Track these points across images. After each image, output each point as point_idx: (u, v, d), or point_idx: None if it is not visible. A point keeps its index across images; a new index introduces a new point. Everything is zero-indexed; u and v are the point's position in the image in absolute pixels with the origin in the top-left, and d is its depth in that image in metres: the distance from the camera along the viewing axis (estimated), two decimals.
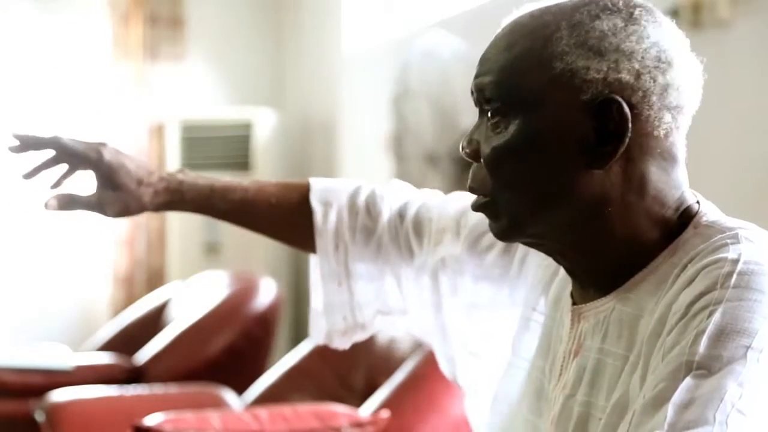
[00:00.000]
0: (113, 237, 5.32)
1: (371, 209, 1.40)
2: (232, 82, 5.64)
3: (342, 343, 1.43)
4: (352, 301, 1.39)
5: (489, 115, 1.05)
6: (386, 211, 1.39)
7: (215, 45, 5.62)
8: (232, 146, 5.24)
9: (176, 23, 5.42)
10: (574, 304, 1.11)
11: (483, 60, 1.07)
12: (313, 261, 1.43)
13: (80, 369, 3.58)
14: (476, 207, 1.09)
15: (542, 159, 1.02)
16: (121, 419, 2.49)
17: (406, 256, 1.37)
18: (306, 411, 2.26)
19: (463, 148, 1.08)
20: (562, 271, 1.17)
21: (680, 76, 1.06)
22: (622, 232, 1.03)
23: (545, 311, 1.18)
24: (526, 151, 1.02)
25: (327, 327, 1.41)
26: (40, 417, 2.98)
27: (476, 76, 1.07)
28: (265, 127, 5.24)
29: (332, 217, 1.39)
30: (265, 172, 5.23)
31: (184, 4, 5.45)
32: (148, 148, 5.35)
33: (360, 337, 1.43)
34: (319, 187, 1.43)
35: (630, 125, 1.00)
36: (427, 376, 2.39)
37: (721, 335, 0.89)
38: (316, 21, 5.38)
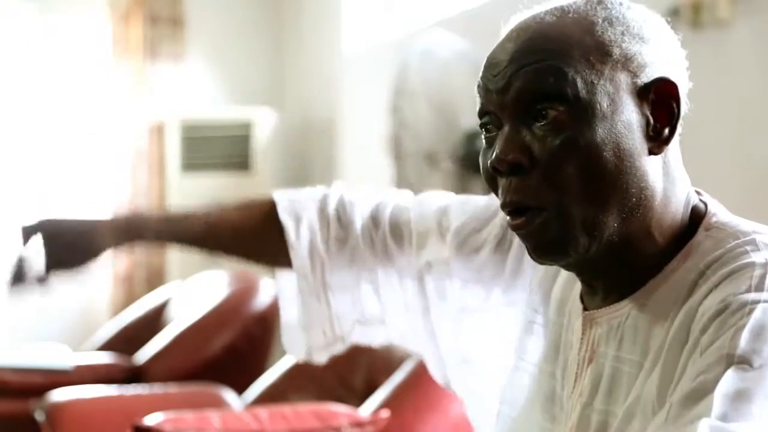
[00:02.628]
0: None
1: (342, 217, 1.34)
2: (232, 82, 5.64)
3: (321, 357, 1.38)
4: (330, 314, 1.34)
5: (542, 114, 0.98)
6: (358, 218, 1.33)
7: (215, 45, 5.61)
8: (232, 146, 5.24)
9: (176, 23, 5.42)
10: (585, 309, 1.08)
11: (515, 58, 1.00)
12: (283, 276, 1.37)
13: (80, 369, 3.58)
14: (524, 224, 1.00)
15: (616, 146, 0.97)
16: (121, 419, 2.49)
17: (384, 260, 1.32)
18: (306, 411, 2.26)
19: (502, 160, 0.99)
20: (563, 271, 1.14)
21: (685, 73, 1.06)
22: (656, 229, 1.01)
23: (549, 315, 1.16)
24: (599, 141, 0.97)
25: (307, 343, 1.36)
26: (40, 417, 2.98)
27: (510, 79, 0.99)
28: (265, 127, 5.24)
29: (304, 231, 1.32)
30: (265, 172, 5.23)
31: (184, 3, 5.45)
32: (147, 148, 5.35)
33: (339, 349, 1.38)
34: (285, 200, 1.34)
35: (682, 106, 1.01)
36: (427, 376, 2.38)
37: (762, 331, 0.89)
38: (316, 21, 5.38)
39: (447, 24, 4.07)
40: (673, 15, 2.79)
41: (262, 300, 3.69)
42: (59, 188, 5.33)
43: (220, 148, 5.24)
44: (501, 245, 1.24)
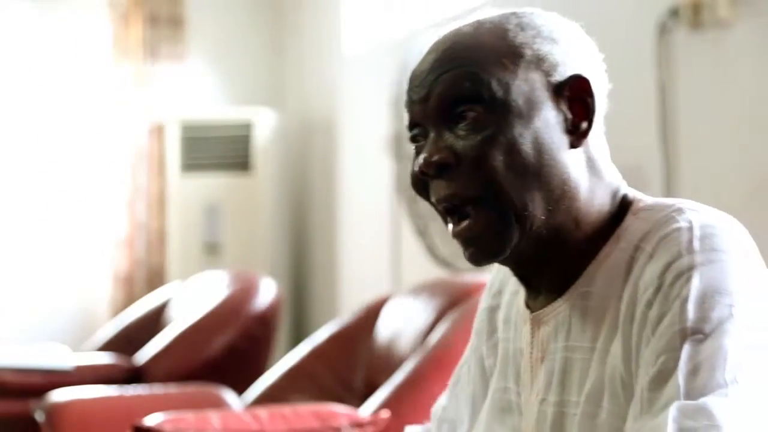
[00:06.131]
0: (113, 237, 5.32)
1: None
2: (232, 82, 5.64)
3: None
4: None
5: (462, 117, 1.04)
6: None
7: (215, 45, 5.62)
8: (232, 146, 5.24)
9: (176, 23, 5.42)
10: (531, 312, 1.12)
11: (434, 68, 1.07)
12: None
13: (80, 369, 3.58)
14: (466, 228, 1.05)
15: (534, 140, 1.03)
16: (121, 419, 2.49)
17: None
18: (306, 411, 2.26)
19: (429, 162, 1.04)
20: (507, 293, 1.20)
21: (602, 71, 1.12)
22: (583, 219, 1.06)
23: (499, 335, 1.20)
24: (517, 136, 1.03)
25: None
26: (40, 417, 2.98)
27: (430, 87, 1.06)
28: (265, 127, 5.24)
29: None
30: (265, 172, 5.23)
31: (184, 4, 5.45)
32: (148, 148, 5.35)
33: None
34: None
35: (597, 100, 1.06)
36: (427, 376, 2.38)
37: (705, 298, 0.94)
38: (316, 21, 5.38)
39: (447, 24, 4.07)
40: (673, 15, 2.79)
41: (262, 300, 3.69)
42: (59, 188, 5.33)
43: (220, 148, 5.24)
44: (480, 366, 1.27)
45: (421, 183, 1.07)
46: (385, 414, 2.25)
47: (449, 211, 1.06)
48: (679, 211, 1.02)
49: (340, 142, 5.04)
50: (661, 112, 2.95)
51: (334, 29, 5.12)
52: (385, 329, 2.91)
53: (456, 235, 1.06)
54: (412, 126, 1.10)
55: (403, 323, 2.77)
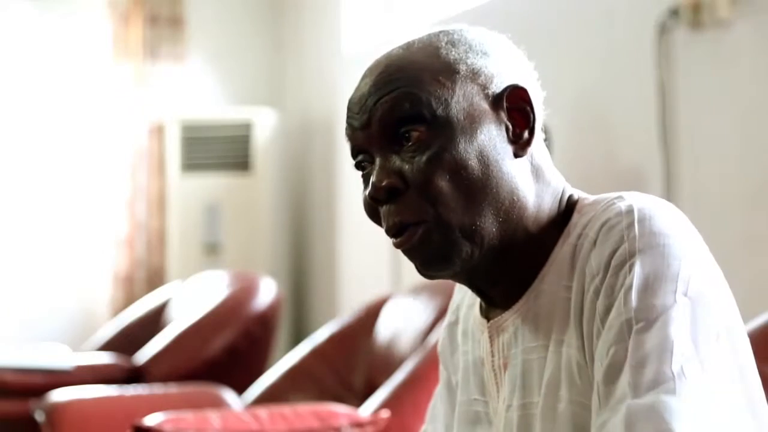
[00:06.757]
0: (113, 237, 5.32)
1: None
2: (232, 82, 5.64)
3: None
4: None
5: (405, 138, 1.04)
6: None
7: (215, 45, 5.62)
8: (232, 146, 5.25)
9: (176, 23, 5.42)
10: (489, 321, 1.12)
11: (372, 93, 1.06)
12: None
13: (80, 369, 3.58)
14: (407, 239, 1.04)
15: (479, 153, 1.03)
16: (121, 419, 2.49)
17: None
18: (306, 411, 2.26)
19: (379, 188, 1.04)
20: (464, 306, 1.20)
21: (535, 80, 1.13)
22: (534, 225, 1.06)
23: (461, 350, 1.20)
24: (462, 151, 1.03)
25: None
26: (40, 417, 2.98)
27: (371, 112, 1.05)
28: (265, 127, 5.24)
29: None
30: (265, 172, 5.23)
31: (184, 4, 5.45)
32: (148, 148, 5.35)
33: None
34: None
35: (535, 108, 1.07)
36: (427, 376, 2.38)
37: (648, 286, 0.94)
38: (316, 21, 5.38)
39: (447, 24, 4.07)
40: (673, 15, 2.79)
41: (262, 300, 3.69)
42: (59, 188, 5.33)
43: (220, 148, 5.24)
44: (445, 381, 1.27)
45: (372, 209, 1.07)
46: (385, 414, 2.25)
47: (396, 236, 1.06)
48: (619, 198, 1.03)
49: (340, 142, 5.04)
50: (661, 112, 2.95)
51: (334, 29, 5.12)
52: (385, 329, 2.91)
53: (398, 246, 1.06)
54: (355, 153, 1.09)
55: (403, 323, 2.77)
